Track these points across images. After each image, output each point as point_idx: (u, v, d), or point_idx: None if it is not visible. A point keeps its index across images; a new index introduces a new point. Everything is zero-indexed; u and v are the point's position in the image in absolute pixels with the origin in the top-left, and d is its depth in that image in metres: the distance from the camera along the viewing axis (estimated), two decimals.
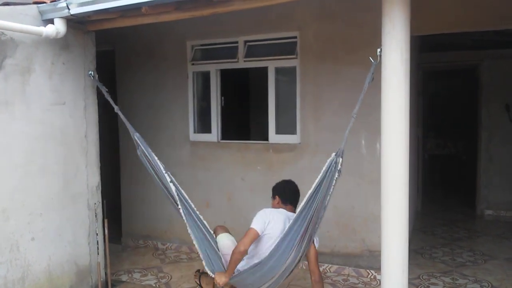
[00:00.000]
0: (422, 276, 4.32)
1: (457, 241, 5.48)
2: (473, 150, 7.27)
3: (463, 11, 3.99)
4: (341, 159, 2.79)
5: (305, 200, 2.90)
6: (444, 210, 7.14)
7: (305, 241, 2.95)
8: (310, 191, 2.88)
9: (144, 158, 3.45)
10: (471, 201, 7.00)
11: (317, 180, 2.85)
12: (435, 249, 5.17)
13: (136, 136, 3.49)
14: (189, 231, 3.34)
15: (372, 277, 4.29)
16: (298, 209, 2.96)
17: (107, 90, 3.66)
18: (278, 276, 3.04)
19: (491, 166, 6.63)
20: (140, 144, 3.45)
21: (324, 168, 2.83)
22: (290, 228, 2.95)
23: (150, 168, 3.43)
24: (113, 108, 3.66)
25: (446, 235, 5.77)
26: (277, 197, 3.33)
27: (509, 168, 6.52)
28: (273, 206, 3.34)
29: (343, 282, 4.22)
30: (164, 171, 3.35)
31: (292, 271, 3.12)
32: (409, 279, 2.87)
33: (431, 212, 6.98)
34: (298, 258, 3.02)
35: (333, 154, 2.83)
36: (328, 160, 2.83)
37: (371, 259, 4.30)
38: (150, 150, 3.43)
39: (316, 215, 2.88)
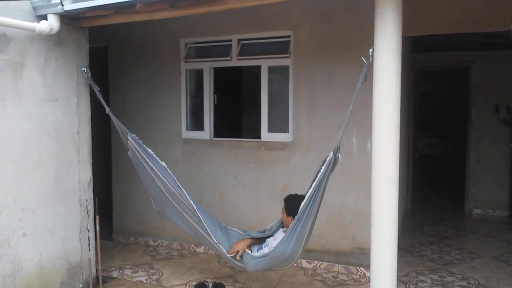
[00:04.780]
0: (410, 274, 4.38)
1: (446, 239, 5.56)
2: (463, 150, 7.37)
3: (455, 13, 4.04)
4: (339, 155, 2.88)
5: (306, 200, 2.95)
6: (433, 208, 7.23)
7: (307, 240, 3.08)
8: (310, 191, 2.94)
9: (137, 159, 3.54)
10: (460, 200, 7.10)
11: (317, 180, 2.91)
12: (424, 247, 5.24)
13: (130, 137, 3.54)
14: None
15: (361, 274, 4.34)
16: (300, 208, 2.98)
17: (99, 89, 3.65)
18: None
19: (480, 165, 6.73)
20: (135, 144, 3.52)
21: (323, 168, 2.90)
22: (295, 228, 2.99)
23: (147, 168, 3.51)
24: (106, 104, 3.67)
25: (435, 233, 5.84)
26: (292, 218, 3.15)
27: (497, 168, 6.62)
28: (286, 223, 3.30)
29: (333, 279, 4.27)
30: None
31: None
32: (397, 276, 2.92)
33: (420, 210, 7.06)
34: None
35: (331, 153, 2.89)
36: (328, 159, 2.90)
37: (361, 257, 4.35)
38: (147, 149, 3.53)
39: (316, 214, 2.98)
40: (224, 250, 3.35)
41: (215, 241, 3.37)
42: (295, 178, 4.53)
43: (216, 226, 3.47)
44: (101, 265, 4.04)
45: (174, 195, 3.45)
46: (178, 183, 3.45)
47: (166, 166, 3.52)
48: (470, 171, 6.80)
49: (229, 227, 3.57)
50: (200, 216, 3.38)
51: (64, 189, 3.71)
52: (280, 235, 3.27)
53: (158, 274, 4.44)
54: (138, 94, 5.28)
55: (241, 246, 3.31)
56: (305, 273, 4.42)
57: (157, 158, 3.53)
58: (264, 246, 3.35)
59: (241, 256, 3.28)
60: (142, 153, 3.51)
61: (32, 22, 3.30)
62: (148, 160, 3.49)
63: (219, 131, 5.15)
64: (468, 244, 5.39)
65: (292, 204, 3.21)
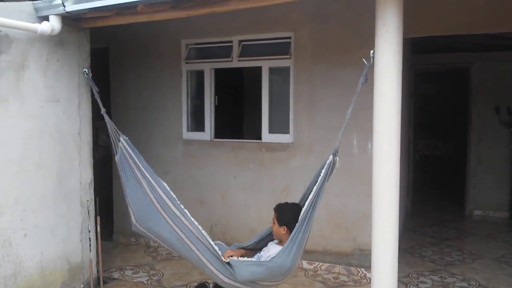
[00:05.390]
0: (411, 275, 4.38)
1: (446, 241, 5.56)
2: (463, 151, 7.38)
3: (455, 14, 4.05)
4: (337, 158, 2.82)
5: (306, 206, 2.81)
6: (434, 210, 7.23)
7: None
8: (311, 197, 2.80)
9: (127, 162, 3.21)
10: (460, 201, 7.11)
11: (317, 185, 2.81)
12: (425, 248, 5.24)
13: (123, 139, 3.23)
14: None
15: (362, 275, 4.34)
16: (301, 216, 2.82)
17: (98, 90, 3.55)
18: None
19: (480, 167, 6.74)
20: (128, 147, 3.20)
21: (323, 172, 2.81)
22: (295, 236, 2.80)
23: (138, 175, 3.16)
24: (107, 105, 3.65)
25: (436, 234, 5.85)
26: (285, 227, 2.95)
27: (498, 169, 6.62)
28: (277, 234, 3.05)
29: (333, 280, 4.27)
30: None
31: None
32: (398, 277, 2.93)
33: (421, 211, 7.06)
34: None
35: (331, 155, 2.81)
36: (327, 162, 2.81)
37: (361, 258, 4.35)
38: (139, 154, 3.21)
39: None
40: (215, 268, 2.97)
41: (212, 259, 2.97)
42: (296, 179, 4.54)
43: (211, 242, 3.02)
44: (102, 266, 4.05)
45: (164, 204, 3.07)
46: (169, 189, 3.10)
47: (157, 175, 3.18)
48: (471, 172, 6.80)
49: (217, 241, 3.18)
50: (193, 230, 2.99)
51: (65, 189, 3.71)
52: (273, 247, 3.05)
53: (159, 275, 4.45)
54: (139, 95, 5.29)
55: (234, 252, 3.03)
56: (306, 274, 4.42)
57: (147, 164, 3.20)
58: (257, 260, 3.04)
59: (231, 266, 2.92)
60: (134, 156, 3.20)
61: (34, 23, 3.31)
62: (139, 164, 3.17)
63: (220, 132, 5.16)
64: (468, 245, 5.40)
65: (285, 213, 3.02)
